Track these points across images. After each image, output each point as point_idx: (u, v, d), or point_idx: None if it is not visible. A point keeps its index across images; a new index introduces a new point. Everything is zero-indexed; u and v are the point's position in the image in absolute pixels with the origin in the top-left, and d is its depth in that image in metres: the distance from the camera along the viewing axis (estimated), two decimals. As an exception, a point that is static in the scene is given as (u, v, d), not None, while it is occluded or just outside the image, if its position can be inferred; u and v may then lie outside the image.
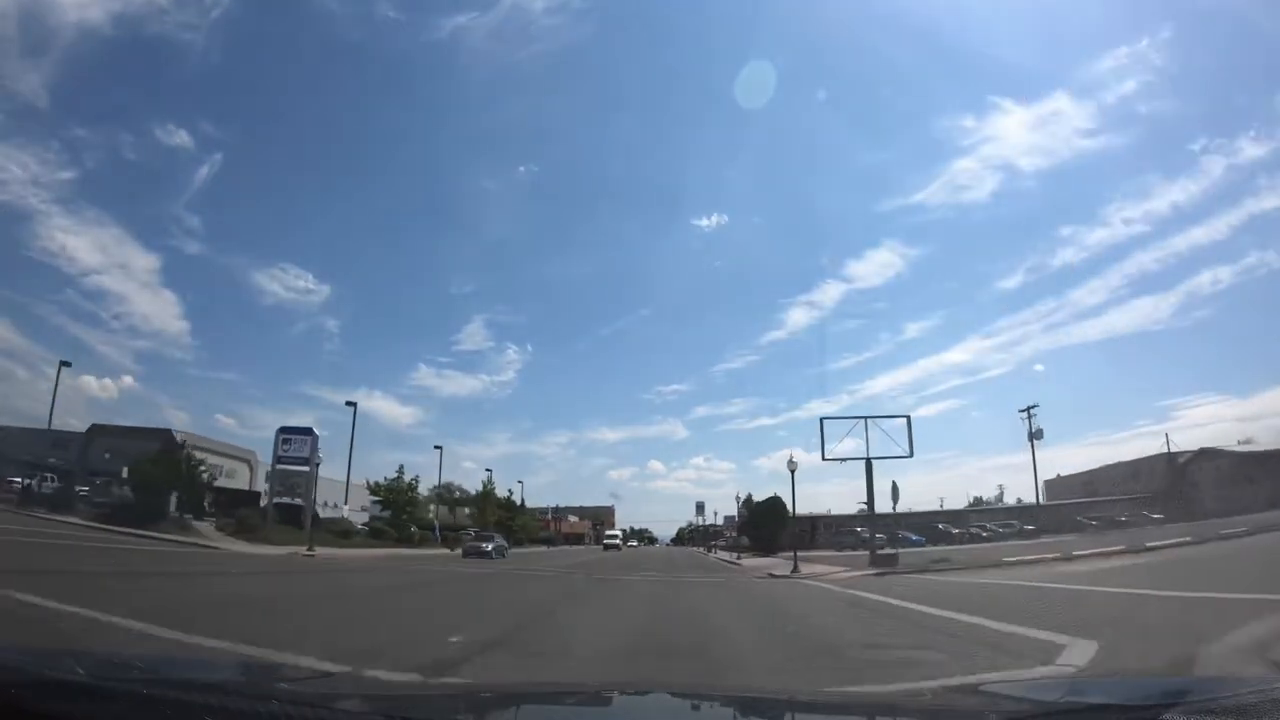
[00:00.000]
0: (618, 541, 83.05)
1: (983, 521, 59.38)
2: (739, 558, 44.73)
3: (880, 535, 58.75)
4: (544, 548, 73.17)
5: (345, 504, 41.28)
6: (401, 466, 49.89)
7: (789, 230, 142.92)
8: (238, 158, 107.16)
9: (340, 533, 38.80)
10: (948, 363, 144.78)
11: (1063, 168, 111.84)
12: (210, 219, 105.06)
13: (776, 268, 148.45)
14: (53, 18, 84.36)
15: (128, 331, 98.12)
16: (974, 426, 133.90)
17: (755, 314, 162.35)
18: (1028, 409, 62.21)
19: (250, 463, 54.98)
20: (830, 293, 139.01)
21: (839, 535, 55.95)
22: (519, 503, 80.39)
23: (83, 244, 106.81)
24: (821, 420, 30.18)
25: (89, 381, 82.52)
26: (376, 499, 48.42)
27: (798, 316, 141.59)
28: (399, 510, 48.24)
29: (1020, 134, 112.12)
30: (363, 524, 46.97)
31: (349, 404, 41.88)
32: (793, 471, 28.67)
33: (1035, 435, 60.37)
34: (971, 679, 3.79)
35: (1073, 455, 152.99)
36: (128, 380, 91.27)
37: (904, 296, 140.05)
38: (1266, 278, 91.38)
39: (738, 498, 53.11)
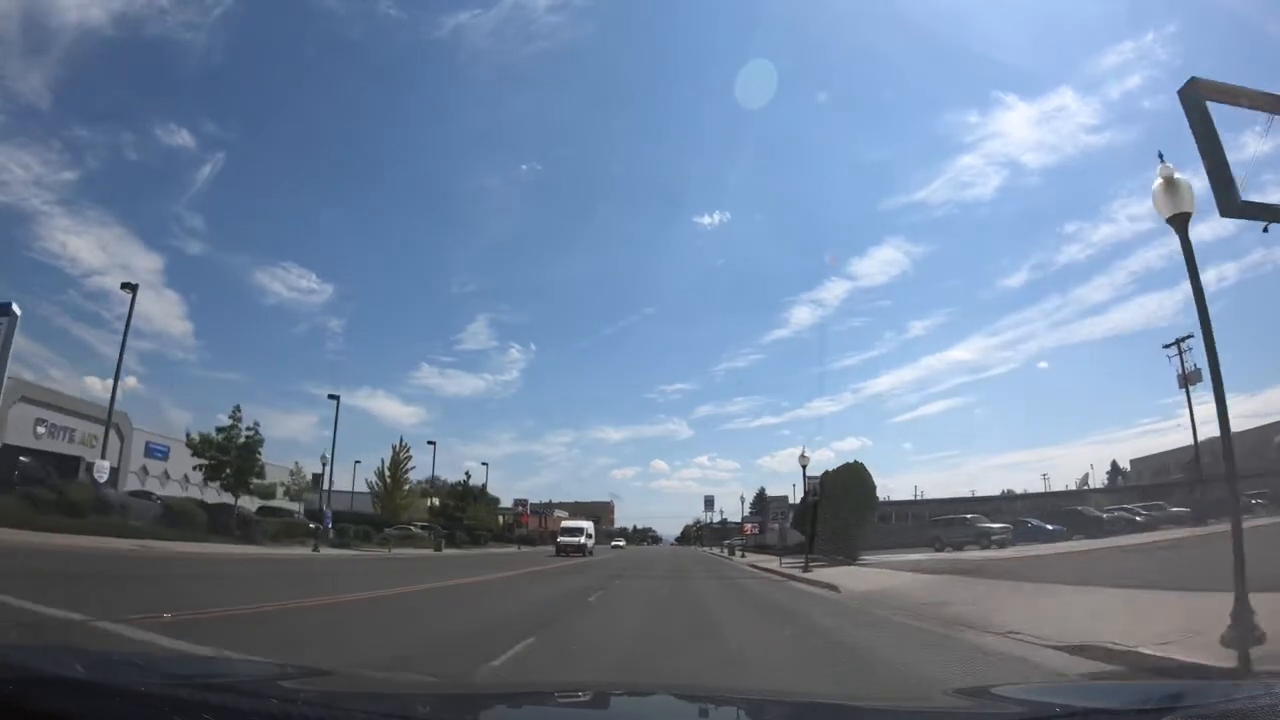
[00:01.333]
0: (581, 540, 48.01)
1: (1106, 503, 43.30)
2: (806, 569, 25.53)
3: (990, 522, 34.60)
4: (516, 548, 56.37)
5: (102, 457, 22.34)
6: (237, 407, 30.31)
7: (792, 228, 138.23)
8: (239, 157, 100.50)
9: (66, 506, 19.82)
10: (952, 360, 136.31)
11: (1067, 164, 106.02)
12: (212, 218, 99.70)
13: (780, 266, 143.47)
14: (54, 18, 79.24)
15: (130, 332, 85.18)
16: (978, 425, 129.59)
17: (759, 312, 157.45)
18: (1178, 341, 44.12)
19: (120, 430, 35.32)
20: (834, 291, 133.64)
21: (940, 528, 37.16)
22: (480, 487, 60.62)
23: (85, 244, 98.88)
24: (1190, 88, 8.58)
25: (93, 383, 72.45)
26: (201, 463, 29.62)
27: (801, 315, 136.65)
28: (238, 480, 29.36)
29: (1024, 130, 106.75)
30: (168, 499, 27.99)
31: (125, 286, 22.92)
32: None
33: (1191, 379, 41.59)
34: (978, 683, 3.16)
35: (1075, 453, 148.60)
36: (131, 381, 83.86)
37: (908, 294, 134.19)
38: (1272, 274, 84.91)
39: (805, 462, 31.23)
